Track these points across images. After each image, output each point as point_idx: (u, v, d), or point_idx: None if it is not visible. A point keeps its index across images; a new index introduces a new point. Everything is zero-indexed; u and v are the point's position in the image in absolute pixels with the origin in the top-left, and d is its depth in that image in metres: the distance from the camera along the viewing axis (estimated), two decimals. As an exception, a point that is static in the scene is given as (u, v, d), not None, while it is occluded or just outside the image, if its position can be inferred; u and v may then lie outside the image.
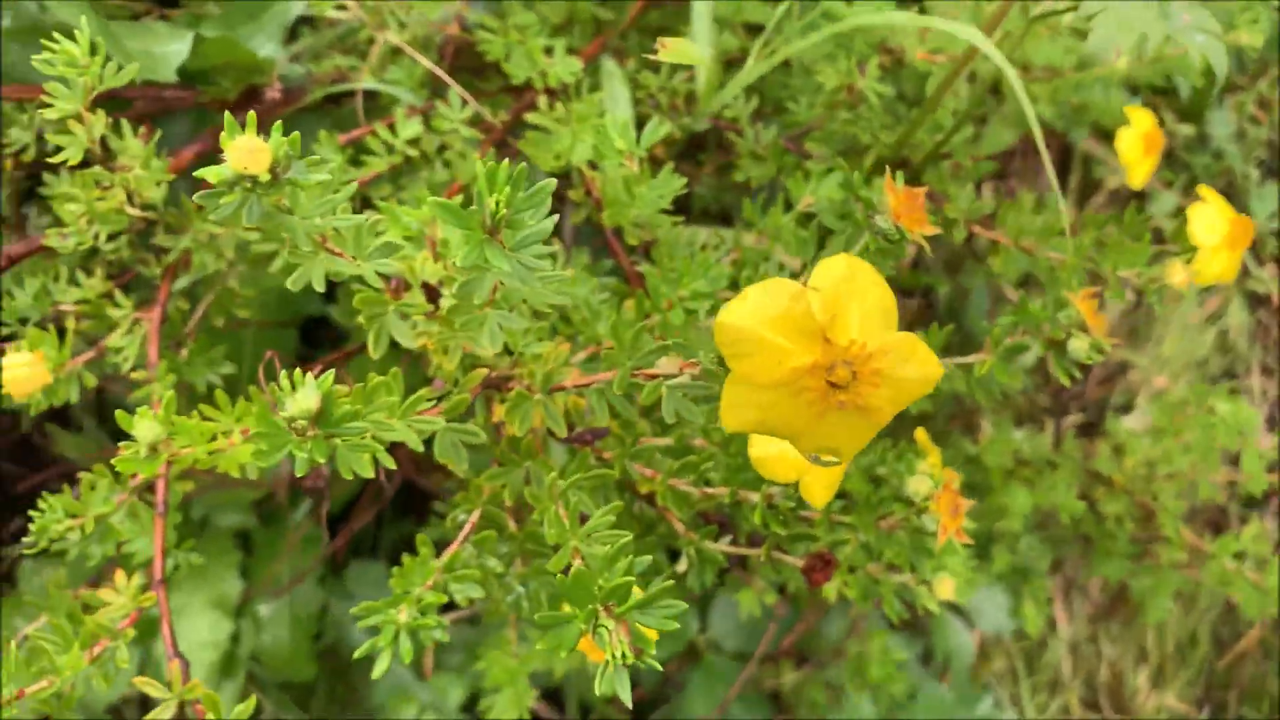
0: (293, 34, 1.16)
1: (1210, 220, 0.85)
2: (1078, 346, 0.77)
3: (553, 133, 0.85)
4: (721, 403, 0.47)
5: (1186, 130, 1.88)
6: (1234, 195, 1.88)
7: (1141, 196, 1.85)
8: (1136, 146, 1.03)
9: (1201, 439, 1.14)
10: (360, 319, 0.62)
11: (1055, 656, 1.62)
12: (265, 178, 0.51)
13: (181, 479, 0.84)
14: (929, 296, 1.62)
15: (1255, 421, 1.18)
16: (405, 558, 0.66)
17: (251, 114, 0.52)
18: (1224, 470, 1.26)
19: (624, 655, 0.49)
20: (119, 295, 0.83)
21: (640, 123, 1.03)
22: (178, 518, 0.87)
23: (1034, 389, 1.72)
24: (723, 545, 0.73)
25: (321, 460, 0.52)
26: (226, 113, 0.51)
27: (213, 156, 0.89)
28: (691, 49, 0.81)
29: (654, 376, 0.58)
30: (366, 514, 1.27)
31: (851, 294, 0.47)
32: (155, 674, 1.22)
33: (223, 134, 0.51)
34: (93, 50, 0.71)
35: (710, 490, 0.68)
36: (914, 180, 0.98)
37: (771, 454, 0.62)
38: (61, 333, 0.78)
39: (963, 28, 0.77)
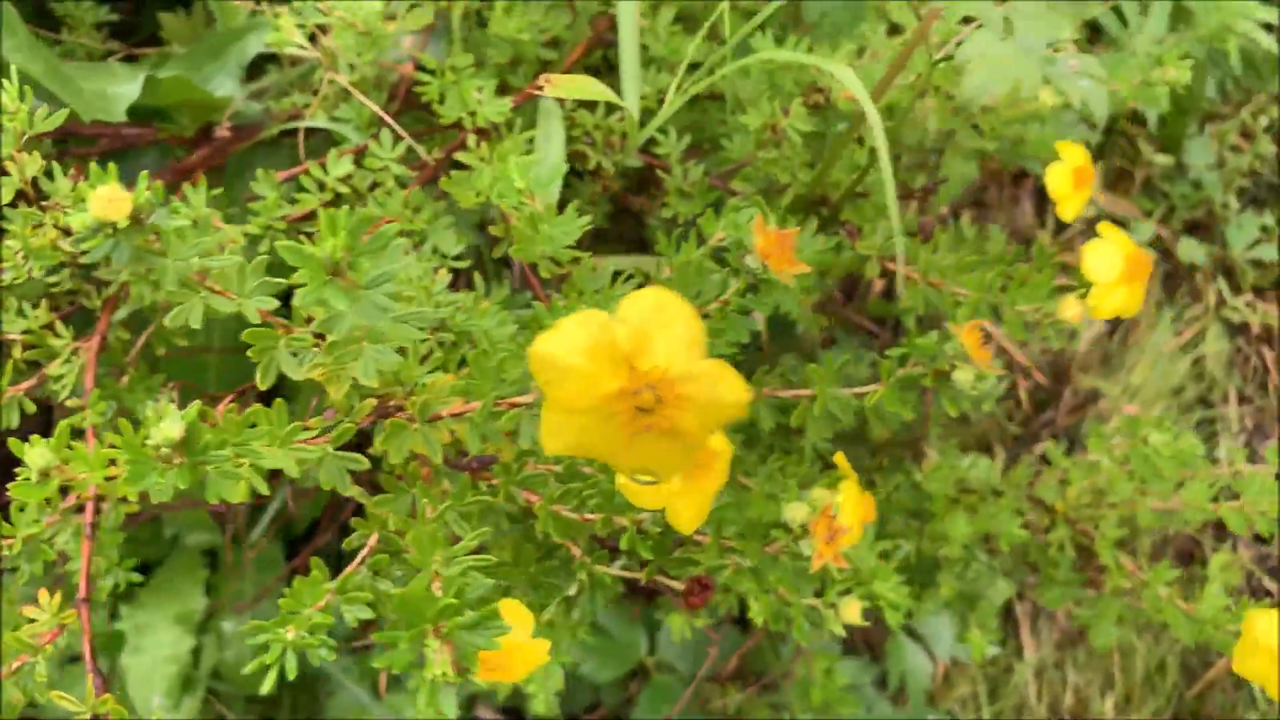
0: (260, 71, 1.21)
1: (1105, 256, 0.87)
2: (962, 377, 0.79)
3: (475, 171, 0.89)
4: (541, 428, 0.51)
5: (1165, 160, 1.89)
6: (1212, 224, 1.89)
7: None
8: (1067, 181, 1.05)
9: (1139, 468, 1.15)
10: (250, 353, 0.65)
11: (1020, 682, 1.63)
12: (124, 224, 0.55)
13: (125, 502, 0.88)
14: (898, 327, 1.64)
15: (1196, 451, 1.19)
16: (297, 579, 0.69)
17: (112, 164, 0.56)
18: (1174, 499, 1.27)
19: (445, 674, 0.52)
20: (59, 326, 0.88)
21: (577, 159, 1.07)
22: (118, 537, 0.91)
23: (1004, 416, 1.74)
24: (615, 569, 0.76)
25: (183, 486, 0.55)
26: (92, 162, 0.55)
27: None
28: (588, 84, 0.84)
29: (516, 405, 0.61)
30: (328, 533, 1.31)
31: (659, 324, 0.50)
32: (116, 689, 1.27)
33: (84, 182, 0.55)
34: (21, 97, 0.75)
35: (589, 516, 0.71)
36: (832, 217, 1.01)
37: (634, 482, 0.65)
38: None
39: (836, 65, 0.81)
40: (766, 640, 1.40)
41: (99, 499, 0.83)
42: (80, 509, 0.83)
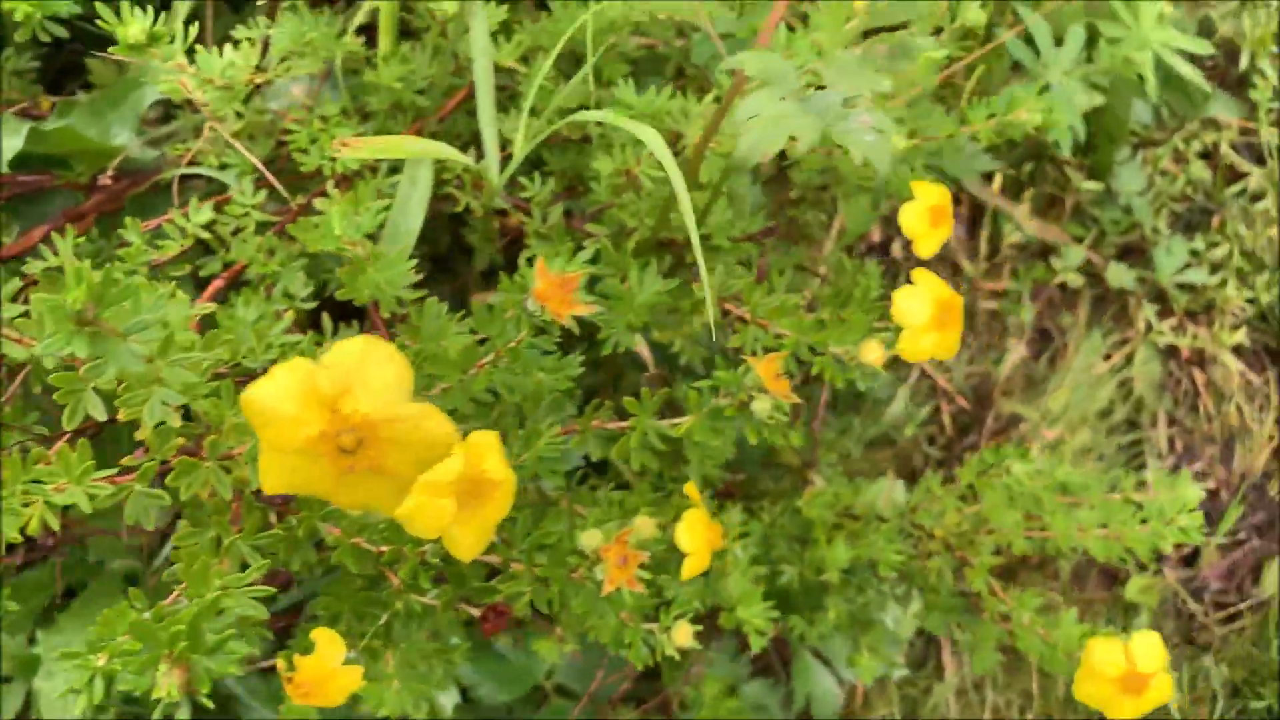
0: (169, 118, 1.27)
1: (915, 302, 0.90)
2: (760, 407, 0.83)
3: (324, 217, 0.94)
4: (259, 468, 0.55)
5: (1094, 186, 1.92)
6: (1144, 249, 1.92)
7: (1048, 252, 1.90)
8: (922, 219, 1.08)
9: (998, 497, 1.18)
10: (55, 396, 0.70)
11: (940, 703, 1.65)
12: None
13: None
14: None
15: (1074, 479, 1.22)
16: (107, 609, 0.74)
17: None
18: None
19: (171, 693, 0.57)
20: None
21: (448, 201, 1.12)
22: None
23: (926, 441, 1.77)
24: (429, 599, 0.80)
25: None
26: None
27: (49, 239, 1.00)
28: (394, 144, 0.89)
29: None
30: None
31: (362, 370, 0.54)
32: (36, 710, 1.32)
33: None
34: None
35: (383, 549, 0.76)
36: (678, 261, 1.05)
37: (409, 513, 0.69)
38: None
39: (637, 127, 0.85)
40: (667, 662, 1.44)
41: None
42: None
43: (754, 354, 1.00)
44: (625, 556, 0.79)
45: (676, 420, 0.88)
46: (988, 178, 1.92)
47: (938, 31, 1.17)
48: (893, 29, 0.89)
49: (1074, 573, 1.75)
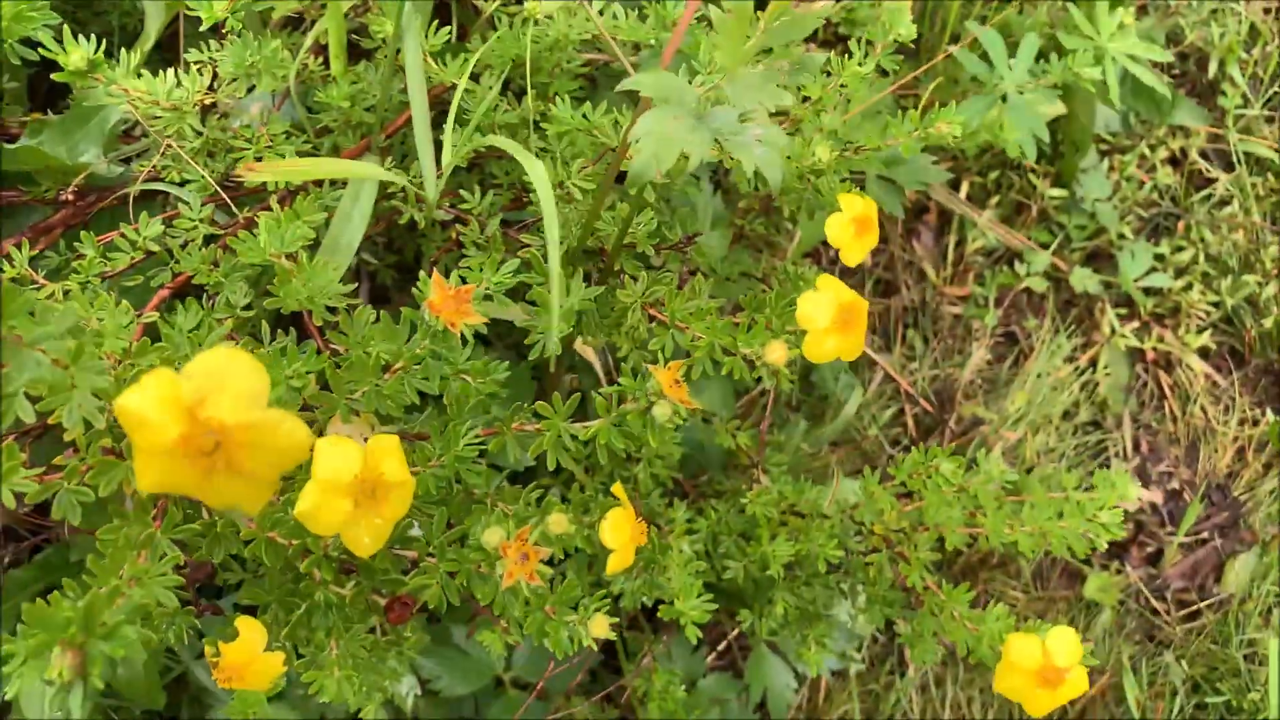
0: (143, 135, 1.33)
1: (817, 306, 0.95)
2: (661, 412, 0.88)
3: (260, 231, 0.99)
4: (134, 469, 0.60)
5: (1059, 193, 1.95)
6: (1107, 254, 1.95)
7: (1014, 258, 1.93)
8: (847, 230, 1.12)
9: (937, 496, 1.22)
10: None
11: (902, 698, 1.69)
12: None
13: None
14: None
15: (1007, 476, 1.25)
16: (32, 606, 0.80)
17: None
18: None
19: (62, 674, 0.62)
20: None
21: (394, 213, 1.17)
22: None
23: (890, 442, 1.81)
24: (347, 590, 0.85)
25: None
26: None
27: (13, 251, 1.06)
28: (295, 166, 0.94)
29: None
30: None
31: (223, 378, 0.60)
32: (16, 703, 1.38)
33: None
34: None
35: (294, 542, 0.81)
36: (608, 267, 1.10)
37: (307, 512, 0.74)
38: None
39: (525, 156, 0.91)
40: (623, 652, 1.48)
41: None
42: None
43: (669, 357, 1.05)
44: (525, 553, 0.84)
45: (588, 424, 0.93)
46: (954, 185, 1.95)
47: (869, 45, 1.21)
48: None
49: (1036, 572, 1.78)
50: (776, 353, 0.93)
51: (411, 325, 0.87)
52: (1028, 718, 1.71)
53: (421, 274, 0.88)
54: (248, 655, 0.84)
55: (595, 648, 0.99)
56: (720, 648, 1.64)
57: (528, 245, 1.12)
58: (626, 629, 1.53)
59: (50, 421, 0.78)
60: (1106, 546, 1.24)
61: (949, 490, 1.20)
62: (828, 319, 0.95)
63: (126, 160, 1.29)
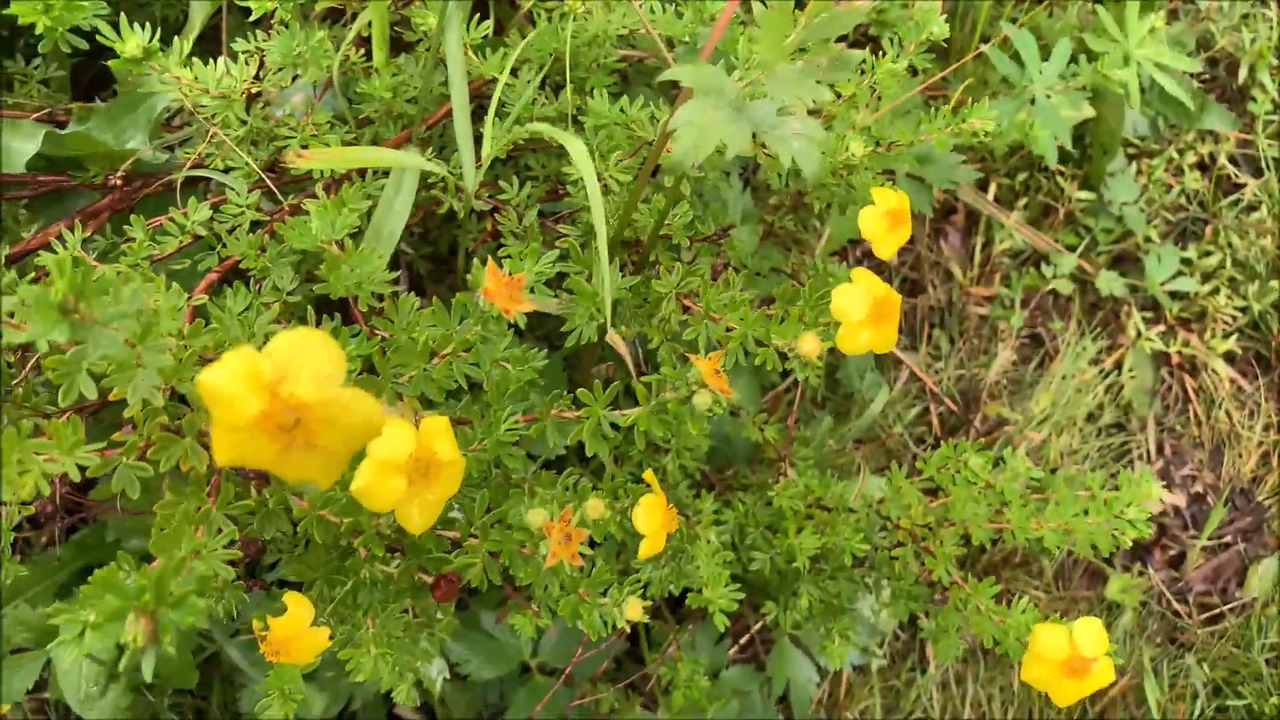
0: (186, 124, 1.36)
1: (852, 299, 0.96)
2: (700, 401, 0.90)
3: (309, 216, 1.01)
4: (213, 443, 0.62)
5: (1087, 196, 1.96)
6: (1134, 257, 1.96)
7: (1040, 260, 1.94)
8: (880, 223, 1.13)
9: (962, 491, 1.24)
10: (51, 376, 0.78)
11: (922, 695, 1.70)
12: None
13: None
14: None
15: (1032, 473, 1.27)
16: (98, 571, 0.82)
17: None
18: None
19: (137, 639, 0.64)
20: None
21: (433, 203, 1.20)
22: (10, 536, 1.05)
23: (915, 441, 1.82)
24: (391, 568, 0.88)
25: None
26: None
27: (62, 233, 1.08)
28: (346, 155, 0.96)
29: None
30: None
31: (300, 357, 0.61)
32: (54, 677, 1.41)
33: None
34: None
35: (347, 519, 0.83)
36: (644, 258, 1.12)
37: (363, 488, 0.76)
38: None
39: (568, 139, 0.92)
40: (647, 642, 1.50)
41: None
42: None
43: (705, 348, 1.07)
44: (568, 533, 0.86)
45: (627, 411, 0.94)
46: (982, 187, 1.97)
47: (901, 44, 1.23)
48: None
49: (1058, 573, 1.79)
50: (810, 344, 0.95)
51: (461, 310, 0.89)
52: (1047, 717, 1.72)
53: (475, 262, 0.90)
54: (295, 629, 0.86)
55: (628, 629, 1.01)
56: (743, 641, 1.66)
57: (564, 235, 1.14)
58: (650, 618, 1.55)
59: (111, 399, 0.81)
60: (1130, 545, 1.26)
61: (977, 485, 1.22)
62: (862, 312, 0.96)
63: (169, 147, 1.32)
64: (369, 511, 0.84)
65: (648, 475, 1.06)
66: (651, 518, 1.01)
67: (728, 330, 1.00)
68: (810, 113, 1.19)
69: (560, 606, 1.02)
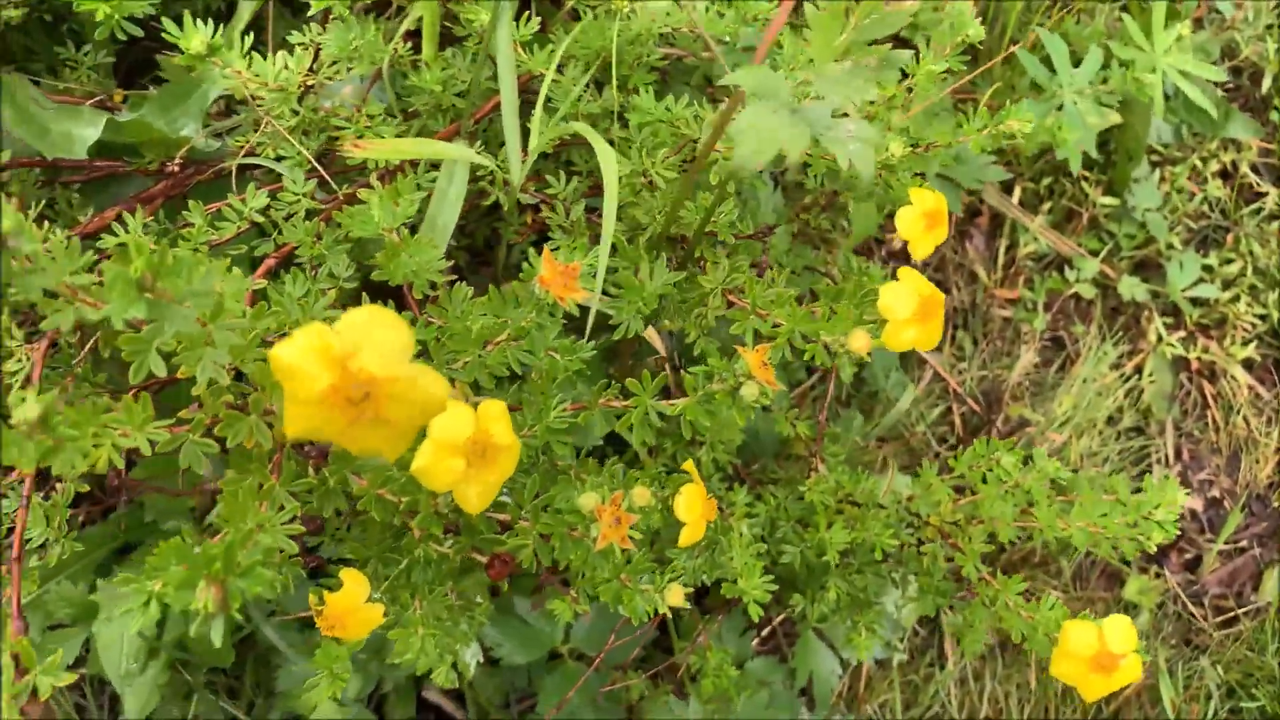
0: (232, 112, 1.38)
1: (899, 297, 0.98)
2: (748, 392, 0.92)
3: (367, 205, 1.04)
4: (284, 416, 0.65)
5: (1110, 201, 1.98)
6: (1156, 264, 1.98)
7: (1064, 264, 1.96)
8: (917, 224, 1.16)
9: (992, 490, 1.26)
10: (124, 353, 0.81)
11: (940, 691, 1.72)
12: (-11, 248, 0.70)
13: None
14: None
15: (1061, 473, 1.29)
16: (162, 543, 0.85)
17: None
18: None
19: (207, 605, 0.67)
20: (15, 329, 1.05)
21: (480, 195, 1.22)
22: (65, 513, 1.08)
23: (938, 440, 1.84)
24: (445, 548, 0.90)
25: (38, 457, 0.71)
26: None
27: (121, 218, 1.11)
28: (402, 146, 0.99)
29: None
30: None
31: (369, 334, 0.64)
32: (94, 653, 1.43)
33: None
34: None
35: (405, 498, 0.85)
36: (688, 254, 1.14)
37: (425, 467, 0.78)
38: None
39: (595, 139, 0.95)
40: (675, 632, 1.53)
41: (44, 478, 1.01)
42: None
43: (755, 342, 1.09)
44: (618, 517, 0.88)
45: (674, 401, 0.97)
46: (1007, 190, 1.99)
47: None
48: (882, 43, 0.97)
49: (1076, 573, 1.82)
50: (860, 341, 0.97)
51: (515, 299, 0.92)
52: (1064, 715, 1.74)
53: (531, 251, 0.93)
54: (350, 605, 0.89)
55: (669, 615, 1.03)
56: (764, 633, 1.68)
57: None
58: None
59: (180, 375, 0.83)
60: (1155, 549, 1.28)
61: (1007, 483, 1.24)
62: (909, 310, 0.98)
63: (218, 135, 1.34)
64: (427, 491, 0.86)
65: (687, 465, 1.08)
66: (693, 506, 1.03)
67: (775, 326, 1.02)
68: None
69: (602, 592, 1.04)
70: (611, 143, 1.27)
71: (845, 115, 0.92)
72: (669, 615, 1.02)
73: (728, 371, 0.94)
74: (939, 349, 1.89)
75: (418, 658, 1.07)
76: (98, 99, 1.35)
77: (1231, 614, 1.82)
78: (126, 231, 1.06)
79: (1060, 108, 1.67)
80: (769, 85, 0.90)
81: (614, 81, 1.20)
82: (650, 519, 1.08)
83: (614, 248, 1.09)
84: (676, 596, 1.02)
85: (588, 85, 1.29)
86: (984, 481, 1.26)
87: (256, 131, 1.24)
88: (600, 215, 1.20)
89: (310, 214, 1.12)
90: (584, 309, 1.10)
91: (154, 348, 0.82)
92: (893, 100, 1.25)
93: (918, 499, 1.35)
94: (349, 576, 0.89)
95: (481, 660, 1.43)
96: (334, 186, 1.15)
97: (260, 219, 1.10)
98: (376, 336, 0.64)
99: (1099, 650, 1.10)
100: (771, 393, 0.93)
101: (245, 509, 0.77)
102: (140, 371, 0.82)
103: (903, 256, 1.93)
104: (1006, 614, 1.22)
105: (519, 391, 1.06)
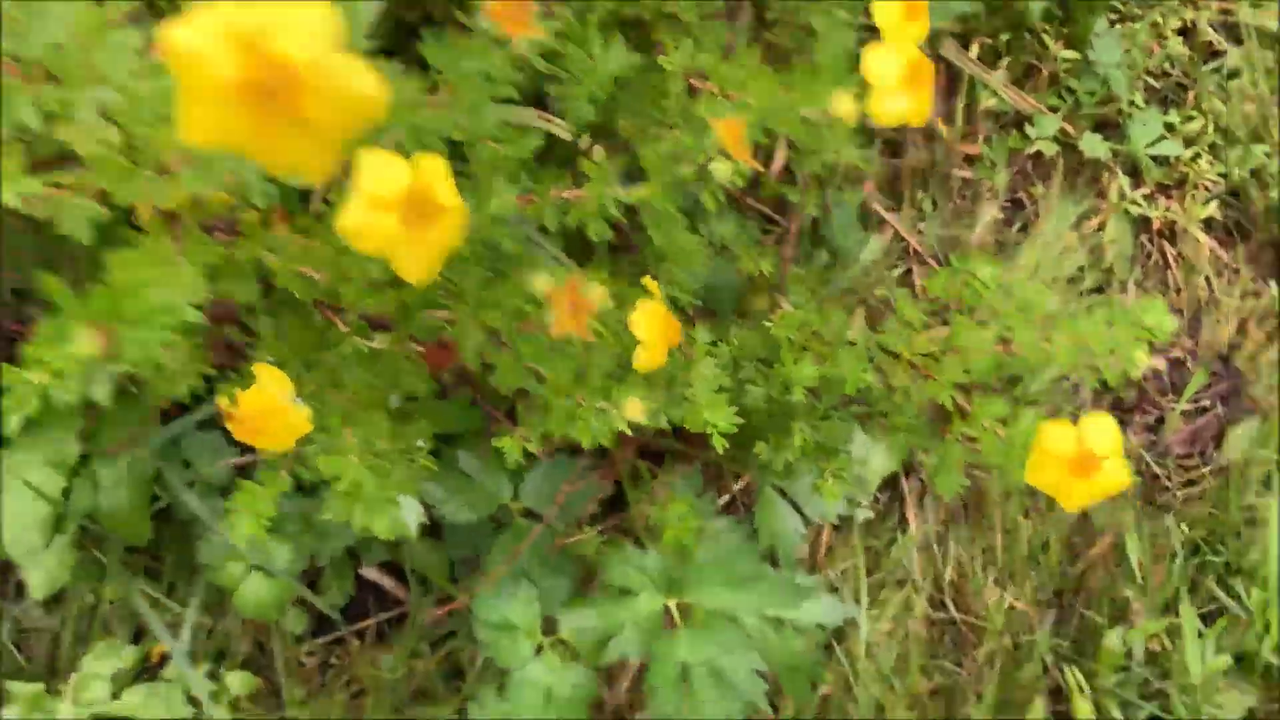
0: None
1: (884, 61, 0.89)
2: (720, 170, 0.82)
3: None
4: (179, 121, 0.53)
5: (1071, 55, 1.91)
6: (1117, 122, 1.91)
7: (1023, 121, 1.89)
8: (895, 11, 1.04)
9: (966, 318, 1.18)
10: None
11: (904, 555, 1.66)
12: None
13: None
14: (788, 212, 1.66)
15: (1043, 297, 1.21)
16: (39, 325, 0.73)
17: None
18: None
19: (93, 353, 0.56)
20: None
21: None
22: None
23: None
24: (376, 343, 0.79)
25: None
26: None
27: None
28: None
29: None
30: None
31: (284, 11, 0.52)
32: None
33: None
34: None
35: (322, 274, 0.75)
36: (646, 37, 1.04)
37: (352, 227, 0.67)
38: None
39: None
40: (631, 484, 1.44)
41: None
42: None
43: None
44: (575, 303, 0.78)
45: (635, 185, 0.87)
46: (964, 44, 1.90)
47: None
48: None
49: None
50: (844, 105, 0.87)
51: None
52: (1030, 578, 1.69)
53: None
54: (268, 404, 0.78)
55: (629, 431, 0.94)
56: (724, 501, 1.60)
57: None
58: (631, 471, 1.49)
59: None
60: (1139, 374, 1.21)
61: (987, 296, 1.16)
62: (896, 75, 0.89)
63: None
64: (356, 267, 0.75)
65: (647, 281, 0.99)
66: (652, 324, 0.93)
67: (745, 107, 0.92)
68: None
69: (553, 417, 0.95)
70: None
71: None
72: (628, 429, 0.93)
73: (696, 149, 0.83)
74: (898, 208, 1.81)
75: (354, 503, 0.97)
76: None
77: (1195, 473, 1.78)
78: None
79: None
80: None
81: None
82: (608, 341, 0.98)
83: (560, 30, 0.97)
84: (635, 409, 0.92)
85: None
86: (965, 299, 1.18)
87: None
88: None
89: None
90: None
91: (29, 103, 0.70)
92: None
93: (888, 331, 1.27)
94: (263, 370, 0.78)
95: (425, 520, 1.33)
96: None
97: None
98: (294, 15, 0.52)
99: (1078, 450, 1.02)
100: (746, 171, 0.82)
101: (136, 272, 0.65)
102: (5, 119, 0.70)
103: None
104: (984, 435, 1.14)
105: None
